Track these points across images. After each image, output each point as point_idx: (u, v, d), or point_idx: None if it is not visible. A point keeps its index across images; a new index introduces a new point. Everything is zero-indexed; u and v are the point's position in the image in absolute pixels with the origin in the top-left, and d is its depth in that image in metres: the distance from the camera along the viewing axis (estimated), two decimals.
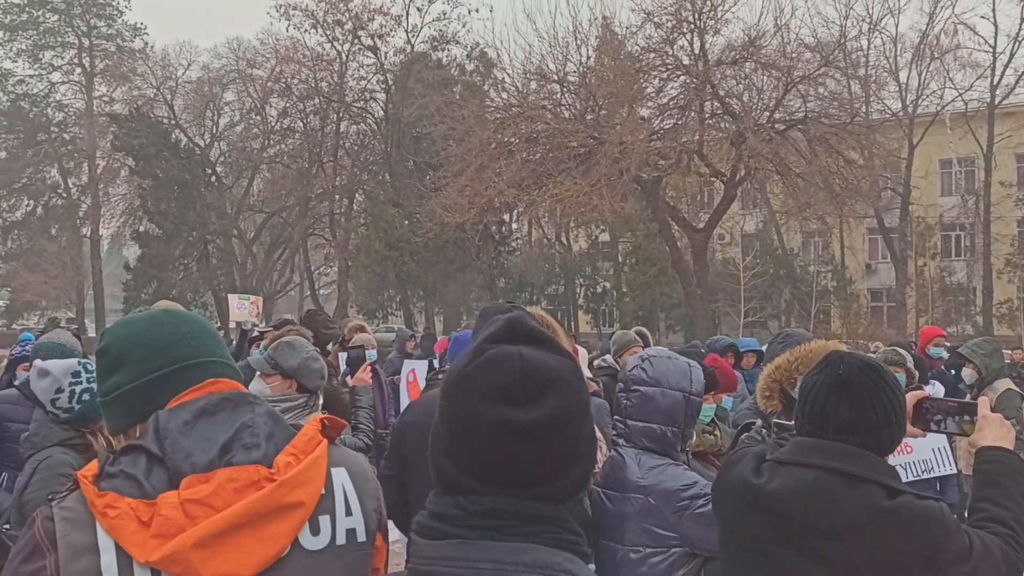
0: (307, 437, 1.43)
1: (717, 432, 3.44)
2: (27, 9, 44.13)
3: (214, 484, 1.34)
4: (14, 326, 40.66)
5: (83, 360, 3.30)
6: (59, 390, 3.17)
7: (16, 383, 5.05)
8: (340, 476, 1.46)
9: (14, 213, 44.40)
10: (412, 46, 35.40)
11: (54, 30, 44.64)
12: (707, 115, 25.30)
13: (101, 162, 42.48)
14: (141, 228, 39.00)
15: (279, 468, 1.37)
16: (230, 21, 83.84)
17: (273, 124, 39.85)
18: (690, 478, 2.69)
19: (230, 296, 15.52)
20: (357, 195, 37.90)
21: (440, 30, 35.77)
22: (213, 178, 39.64)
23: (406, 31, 35.50)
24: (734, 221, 32.25)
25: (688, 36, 24.95)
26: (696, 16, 24.56)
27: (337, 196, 38.25)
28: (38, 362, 3.48)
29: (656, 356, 2.89)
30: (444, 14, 35.63)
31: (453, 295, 32.72)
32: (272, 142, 40.06)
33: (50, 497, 1.38)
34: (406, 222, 30.59)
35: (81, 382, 3.19)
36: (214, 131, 42.22)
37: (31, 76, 45.09)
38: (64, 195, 44.50)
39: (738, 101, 24.65)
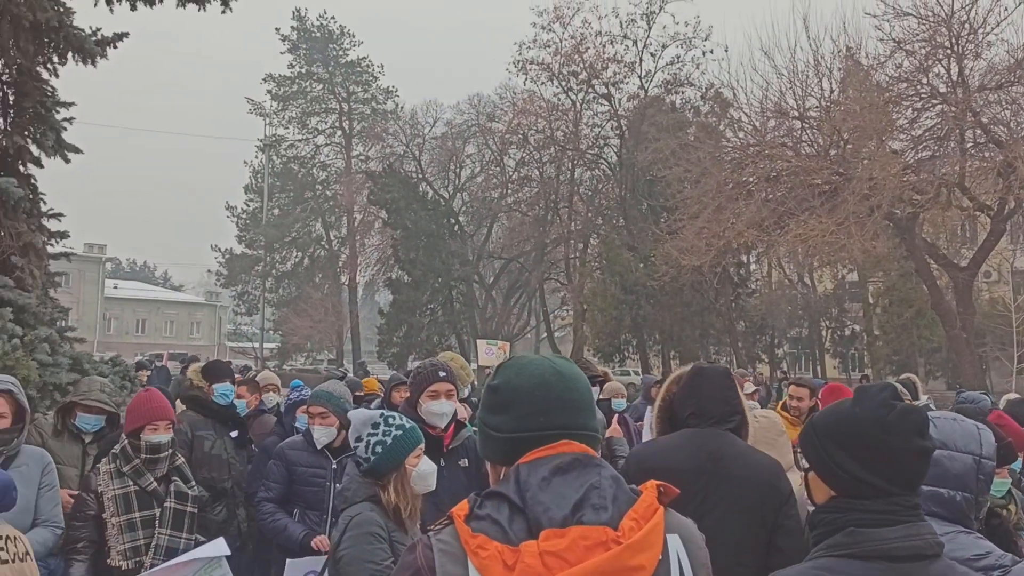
0: (646, 503, 1.54)
1: (1012, 506, 3.14)
2: (296, 81, 49.21)
3: (568, 540, 1.47)
4: (285, 366, 44.79)
5: (386, 413, 3.40)
6: (358, 439, 3.28)
7: (297, 426, 5.59)
8: (675, 543, 1.55)
9: (285, 264, 49.14)
10: (646, 91, 35.60)
11: (319, 98, 49.42)
12: (968, 144, 23.34)
13: (358, 215, 46.09)
14: (393, 275, 41.71)
15: (624, 531, 1.49)
16: (471, 79, 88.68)
17: (511, 174, 41.45)
18: (984, 547, 2.46)
19: (479, 341, 16.19)
20: (592, 239, 38.42)
21: (674, 74, 35.74)
22: (456, 227, 41.76)
23: (639, 77, 35.79)
24: (1002, 257, 29.37)
25: (944, 62, 23.25)
26: (953, 41, 22.86)
27: (572, 241, 38.98)
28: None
29: (939, 417, 2.70)
30: (678, 58, 35.61)
31: (690, 339, 32.16)
32: (510, 191, 41.64)
33: (428, 529, 1.60)
34: (641, 265, 30.57)
35: (377, 434, 3.26)
36: (456, 183, 44.57)
37: (300, 140, 50.18)
38: (326, 246, 48.71)
39: (1004, 128, 22.55)
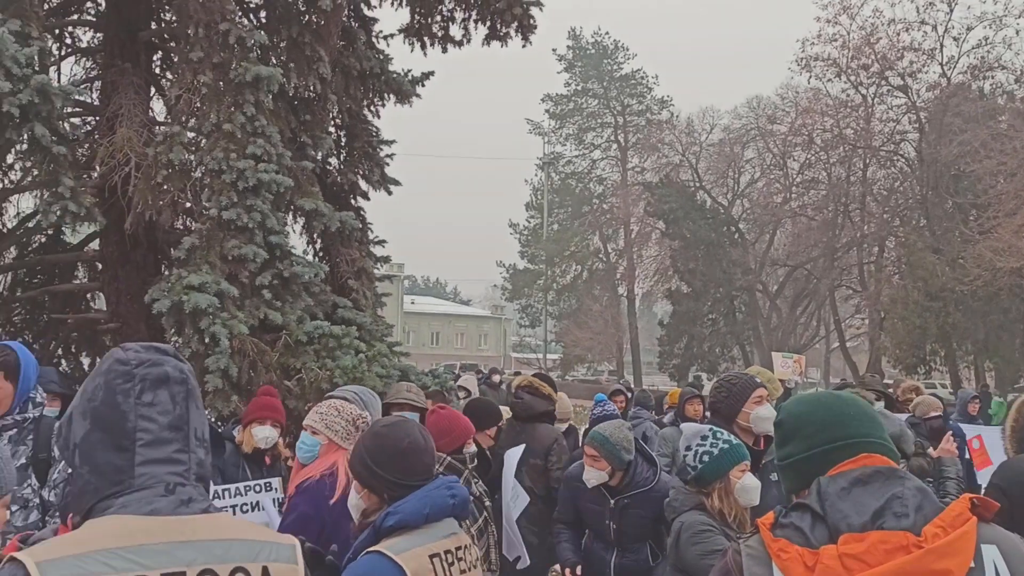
0: (955, 513, 1.61)
1: None
2: (573, 99, 50.64)
3: (867, 543, 1.59)
4: (567, 376, 46.05)
5: (715, 428, 3.59)
6: (688, 448, 3.49)
7: None
8: (991, 553, 1.59)
9: (565, 277, 50.58)
10: (948, 79, 32.58)
11: (595, 113, 50.48)
12: None
13: (635, 227, 46.38)
14: (672, 286, 41.46)
15: (927, 537, 1.57)
16: (750, 82, 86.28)
17: (795, 177, 39.69)
18: None
19: (774, 354, 15.69)
20: (888, 242, 35.74)
21: (981, 57, 32.41)
22: (736, 235, 40.69)
23: (940, 64, 32.85)
24: None
25: None
26: None
27: (866, 245, 36.53)
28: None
29: None
30: (986, 39, 32.24)
31: (1009, 349, 28.86)
32: (794, 195, 39.86)
33: (739, 537, 1.86)
34: (948, 269, 27.95)
35: (705, 445, 3.45)
36: (736, 189, 43.46)
37: (576, 156, 51.56)
38: (604, 259, 49.50)
39: None
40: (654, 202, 40.08)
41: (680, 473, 3.59)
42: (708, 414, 4.49)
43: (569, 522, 4.78)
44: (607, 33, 51.76)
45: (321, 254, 8.17)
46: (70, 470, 1.56)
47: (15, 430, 3.58)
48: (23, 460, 3.58)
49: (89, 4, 8.29)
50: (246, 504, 4.18)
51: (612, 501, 4.43)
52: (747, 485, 3.42)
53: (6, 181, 7.69)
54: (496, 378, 15.01)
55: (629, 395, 10.64)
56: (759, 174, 42.73)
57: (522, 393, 6.26)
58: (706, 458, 3.42)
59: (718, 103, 66.49)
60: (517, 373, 28.68)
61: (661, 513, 4.41)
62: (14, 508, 3.53)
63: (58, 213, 6.04)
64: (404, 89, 8.66)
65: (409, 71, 8.84)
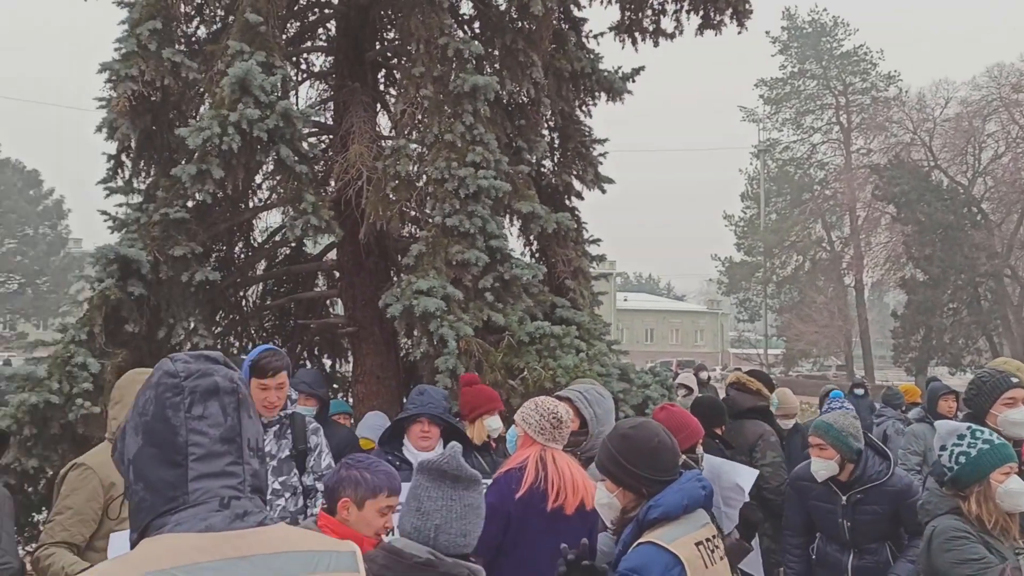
0: None
1: None
2: (789, 82, 48.47)
3: None
4: (790, 372, 44.15)
5: (974, 426, 3.35)
6: (943, 448, 3.28)
7: None
8: None
9: (785, 268, 48.52)
10: None
11: (813, 95, 48.08)
12: None
13: (861, 213, 43.70)
14: (905, 274, 38.71)
15: None
16: (989, 48, 78.87)
17: None
18: None
19: None
20: None
21: None
22: (979, 216, 37.32)
23: None
24: None
25: None
26: None
27: None
28: None
29: None
30: None
31: None
32: None
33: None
34: None
35: (962, 445, 3.23)
36: (976, 167, 39.87)
37: (795, 141, 49.33)
38: (828, 248, 46.98)
39: None
40: (883, 185, 37.57)
41: (934, 474, 3.36)
42: (961, 412, 4.17)
43: (797, 528, 4.58)
44: (825, 10, 49.23)
45: (538, 255, 8.33)
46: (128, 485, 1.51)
47: (278, 426, 3.96)
48: (287, 452, 3.96)
49: (321, 31, 8.93)
50: None
51: (844, 497, 4.22)
52: (1012, 489, 3.14)
53: (255, 200, 8.44)
54: (704, 375, 14.68)
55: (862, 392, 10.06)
56: (1003, 148, 38.99)
57: (730, 390, 6.12)
58: (962, 459, 3.20)
59: (953, 74, 61.21)
60: (737, 369, 27.96)
61: (898, 511, 4.14)
62: (286, 495, 3.92)
63: (302, 227, 6.56)
64: (615, 87, 8.64)
65: (619, 68, 8.83)
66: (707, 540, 2.69)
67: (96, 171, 7.76)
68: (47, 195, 47.75)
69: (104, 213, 7.55)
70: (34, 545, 4.03)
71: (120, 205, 7.54)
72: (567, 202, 8.75)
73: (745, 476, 4.36)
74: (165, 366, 1.52)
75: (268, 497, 4.14)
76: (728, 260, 50.63)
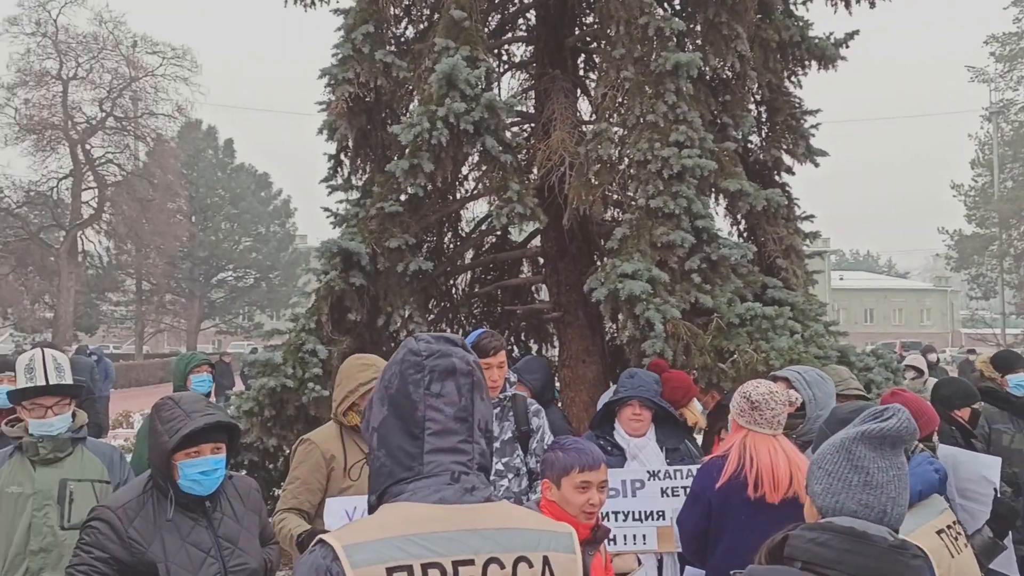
0: None
1: None
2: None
3: None
4: None
5: None
6: None
7: None
8: None
9: None
10: None
11: None
12: None
13: None
14: None
15: None
16: None
17: None
18: None
19: None
20: None
21: None
22: None
23: None
24: None
25: None
26: None
27: None
28: None
29: None
30: None
31: None
32: None
33: None
34: None
35: None
36: None
37: None
38: None
39: None
40: None
41: None
42: None
43: None
44: None
45: (747, 234, 8.04)
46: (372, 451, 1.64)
47: (499, 408, 4.08)
48: (509, 434, 4.08)
49: (521, 21, 9.07)
50: (677, 488, 4.20)
51: None
52: None
53: (462, 191, 8.72)
54: (932, 356, 13.52)
55: None
56: None
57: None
58: None
59: None
60: (971, 351, 25.63)
61: None
62: (509, 476, 4.04)
63: (507, 215, 6.71)
64: (827, 54, 8.17)
65: (831, 34, 8.34)
66: (948, 527, 2.50)
67: (318, 171, 8.33)
68: (276, 196, 51.77)
69: (326, 210, 8.08)
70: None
71: (340, 202, 8.05)
72: (777, 178, 8.38)
73: (990, 466, 3.99)
74: (410, 344, 1.64)
75: (492, 478, 4.28)
76: (957, 233, 46.66)
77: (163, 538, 2.78)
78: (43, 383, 3.57)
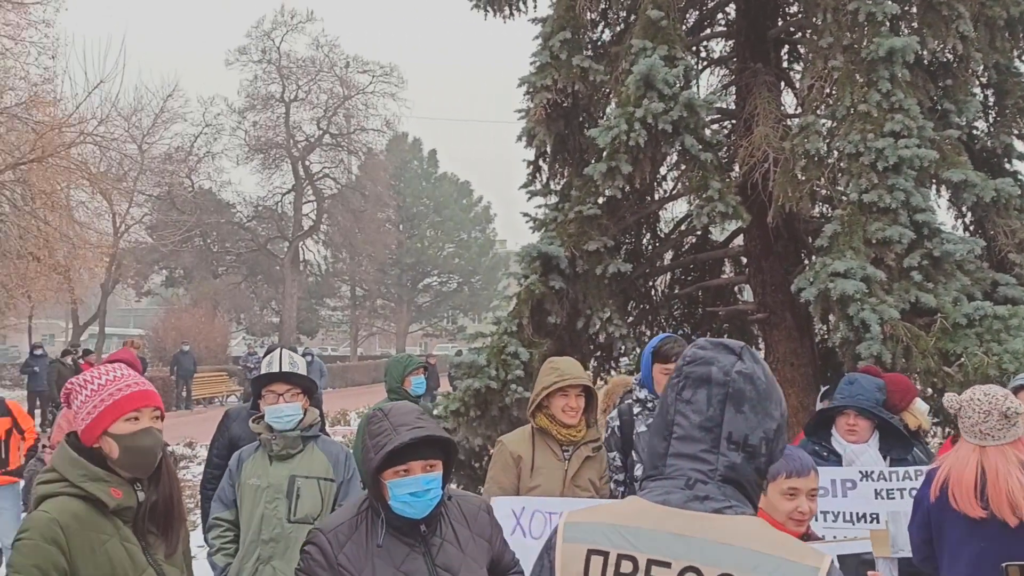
0: None
1: None
2: None
3: None
4: None
5: None
6: None
7: None
8: None
9: None
10: None
11: None
12: None
13: None
14: None
15: None
16: None
17: None
18: None
19: None
20: None
21: None
22: None
23: None
24: None
25: None
26: None
27: None
28: None
29: None
30: None
31: None
32: None
33: None
34: None
35: None
36: None
37: None
38: None
39: None
40: None
41: None
42: None
43: None
44: None
45: (974, 228, 7.43)
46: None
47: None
48: None
49: (720, 16, 8.85)
50: (892, 490, 3.95)
51: None
52: None
53: (661, 191, 8.62)
54: None
55: None
56: None
57: None
58: None
59: None
60: None
61: None
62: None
63: (708, 214, 6.56)
64: None
65: None
66: None
67: (516, 177, 8.52)
68: (477, 203, 53.49)
69: (525, 215, 8.24)
70: None
71: (539, 207, 8.19)
72: (1007, 166, 7.69)
73: None
74: (688, 349, 1.68)
75: None
76: None
77: (374, 565, 2.52)
78: (277, 371, 3.94)
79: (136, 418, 2.43)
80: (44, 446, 5.66)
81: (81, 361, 18.45)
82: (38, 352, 20.43)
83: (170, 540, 2.50)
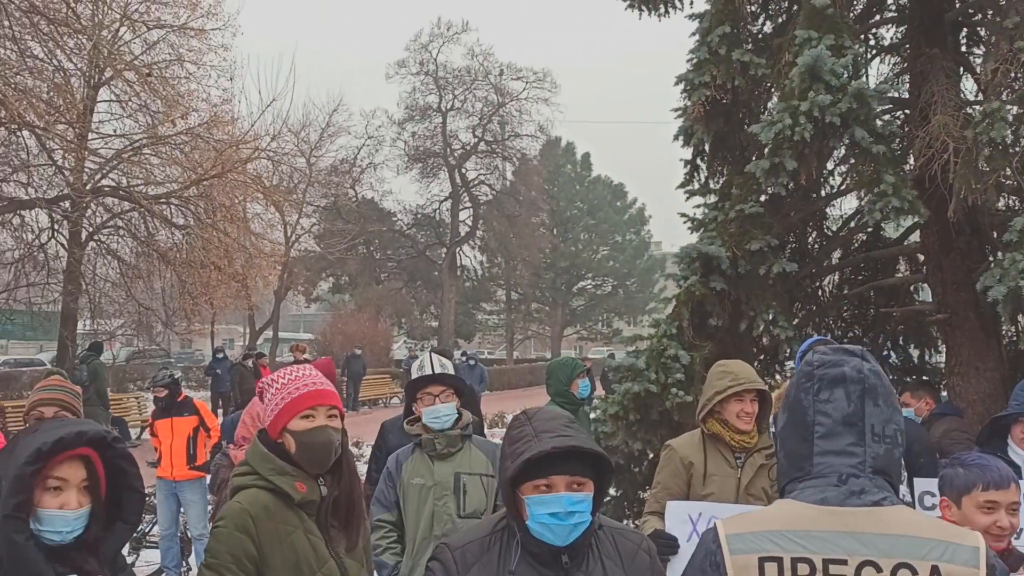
0: None
1: None
2: None
3: None
4: None
5: None
6: None
7: None
8: None
9: None
10: None
11: None
12: None
13: None
14: None
15: None
16: None
17: None
18: None
19: None
20: None
21: None
22: None
23: None
24: None
25: None
26: None
27: None
28: None
29: None
30: None
31: None
32: None
33: None
34: None
35: None
36: None
37: None
38: None
39: None
40: None
41: None
42: None
43: None
44: None
45: None
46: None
47: None
48: None
49: (890, 1, 8.38)
50: None
51: None
52: None
53: (828, 187, 8.24)
54: None
55: None
56: None
57: None
58: None
59: None
60: None
61: None
62: None
63: (881, 210, 6.22)
64: None
65: None
66: None
67: (671, 178, 8.38)
68: (631, 204, 53.06)
69: (683, 215, 8.09)
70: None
71: (698, 206, 8.02)
72: None
73: None
74: (808, 356, 1.78)
75: None
76: None
77: None
78: (429, 373, 4.07)
79: (312, 416, 2.54)
80: (227, 443, 6.04)
81: (257, 364, 19.65)
82: (220, 355, 21.87)
83: (351, 534, 2.60)
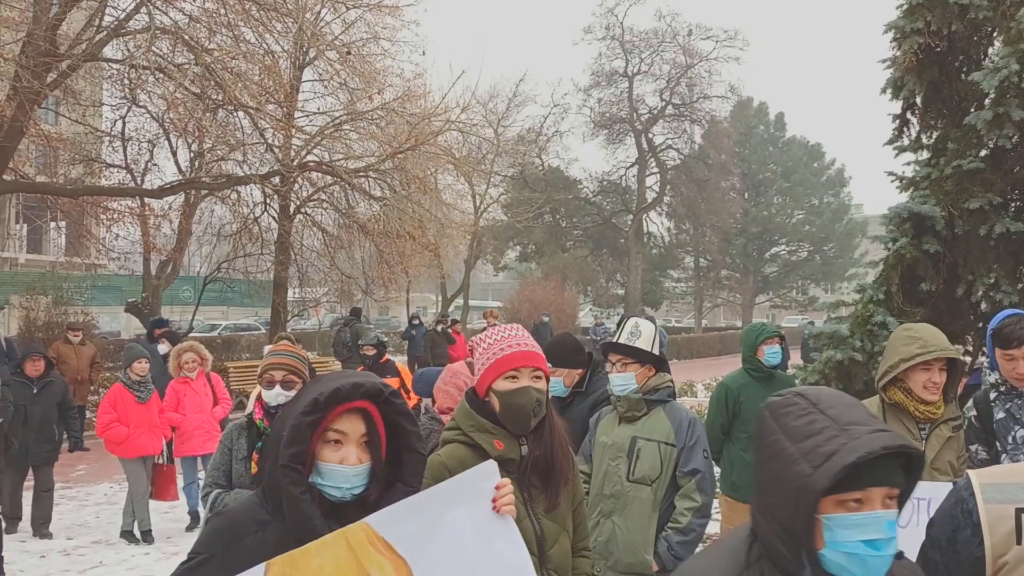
0: None
1: None
2: None
3: None
4: None
5: None
6: None
7: None
8: None
9: None
10: None
11: None
12: None
13: None
14: None
15: None
16: None
17: None
18: None
19: None
20: None
21: None
22: None
23: None
24: None
25: None
26: None
27: None
28: None
29: None
30: None
31: None
32: None
33: None
34: None
35: None
36: None
37: None
38: None
39: None
40: None
41: None
42: None
43: None
44: None
45: None
46: None
47: None
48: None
49: None
50: None
51: None
52: None
53: None
54: None
55: None
56: None
57: None
58: None
59: None
60: None
61: None
62: None
63: None
64: None
65: None
66: None
67: (874, 135, 7.83)
68: (829, 166, 50.37)
69: (891, 174, 7.56)
70: None
71: (908, 164, 7.47)
72: None
73: None
74: None
75: None
76: None
77: None
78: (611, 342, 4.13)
79: (515, 376, 2.58)
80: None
81: (450, 330, 20.35)
82: (415, 322, 22.81)
83: (551, 495, 2.63)
